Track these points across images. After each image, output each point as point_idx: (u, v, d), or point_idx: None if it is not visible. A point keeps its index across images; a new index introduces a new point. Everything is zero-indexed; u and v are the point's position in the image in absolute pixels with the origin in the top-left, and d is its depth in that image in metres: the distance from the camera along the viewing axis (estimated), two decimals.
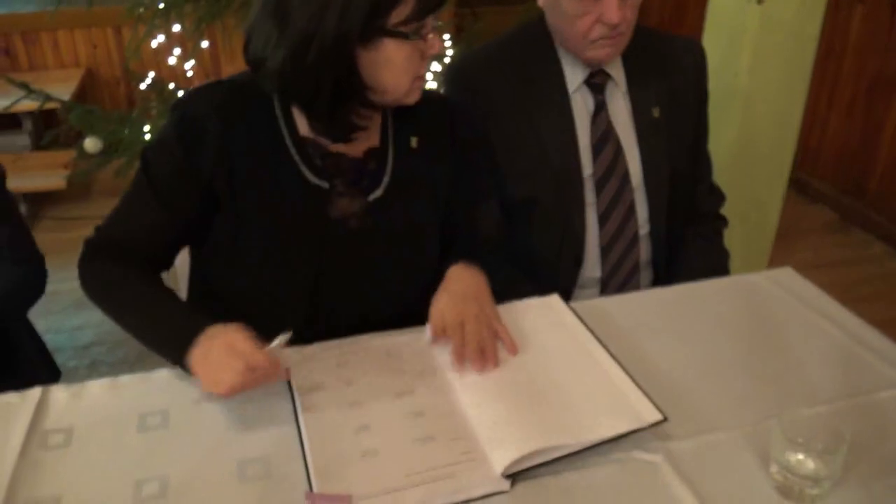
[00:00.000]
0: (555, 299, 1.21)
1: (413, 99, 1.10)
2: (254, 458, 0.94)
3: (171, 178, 1.10)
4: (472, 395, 1.01)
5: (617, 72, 1.37)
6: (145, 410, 1.02)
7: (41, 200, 3.45)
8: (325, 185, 1.13)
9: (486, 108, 1.35)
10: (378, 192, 1.17)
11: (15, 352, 1.42)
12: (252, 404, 1.03)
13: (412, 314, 1.16)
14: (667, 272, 1.48)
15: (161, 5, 2.49)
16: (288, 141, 1.11)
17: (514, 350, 1.07)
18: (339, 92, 1.03)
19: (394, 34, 1.00)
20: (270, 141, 1.11)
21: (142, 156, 1.12)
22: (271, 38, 1.01)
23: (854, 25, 3.16)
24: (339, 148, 1.13)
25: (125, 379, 1.08)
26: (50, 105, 3.10)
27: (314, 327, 1.16)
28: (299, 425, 0.98)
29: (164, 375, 1.08)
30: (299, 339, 1.15)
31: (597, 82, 1.36)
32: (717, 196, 1.57)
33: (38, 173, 3.33)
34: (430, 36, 1.05)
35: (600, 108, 1.36)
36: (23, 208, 3.34)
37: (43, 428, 1.00)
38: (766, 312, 1.24)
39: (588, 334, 1.13)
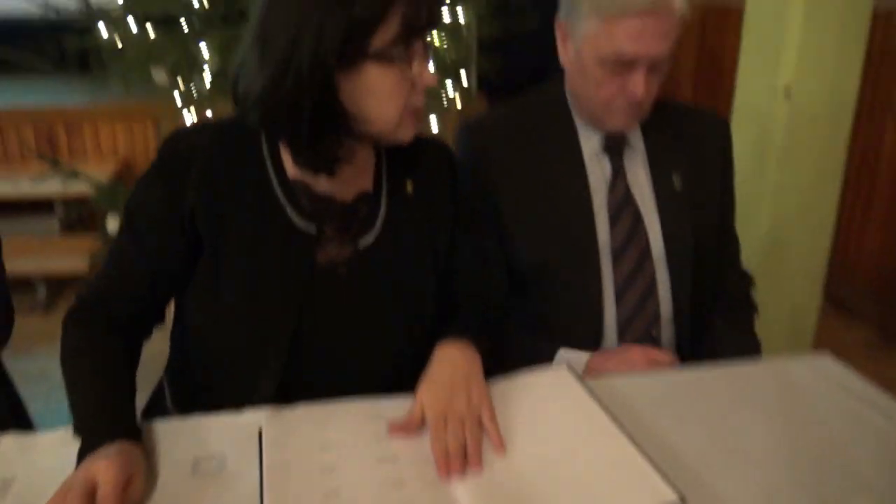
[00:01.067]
0: (564, 372, 1.10)
1: (406, 135, 1.02)
2: None
3: (152, 219, 1.04)
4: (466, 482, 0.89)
5: (635, 138, 1.31)
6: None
7: (62, 285, 3.45)
8: (313, 229, 1.06)
9: (497, 167, 1.29)
10: (369, 239, 1.09)
11: None
12: (215, 461, 0.92)
13: (403, 376, 1.06)
14: (691, 360, 1.36)
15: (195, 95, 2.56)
16: (275, 183, 1.05)
17: (500, 448, 0.93)
18: (320, 121, 0.96)
19: (377, 58, 0.93)
20: (256, 182, 1.04)
21: (125, 210, 1.06)
22: (253, 68, 0.97)
23: (888, 138, 3.11)
24: (329, 190, 1.07)
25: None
26: (78, 190, 3.17)
27: (294, 384, 1.06)
28: (262, 488, 0.86)
29: None
30: (278, 398, 1.05)
31: (614, 147, 1.30)
32: (747, 280, 1.46)
33: (61, 257, 3.34)
34: (421, 63, 0.97)
35: (617, 174, 1.30)
36: (42, 291, 3.34)
37: None
38: (802, 398, 1.10)
39: (599, 410, 1.01)
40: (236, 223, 1.03)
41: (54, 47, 4.22)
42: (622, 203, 1.29)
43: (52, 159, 2.54)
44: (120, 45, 2.51)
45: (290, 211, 1.05)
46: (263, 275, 1.04)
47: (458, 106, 2.57)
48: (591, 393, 1.04)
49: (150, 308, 1.10)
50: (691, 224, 1.32)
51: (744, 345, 1.37)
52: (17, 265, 3.25)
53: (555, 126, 1.30)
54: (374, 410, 1.01)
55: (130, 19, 2.51)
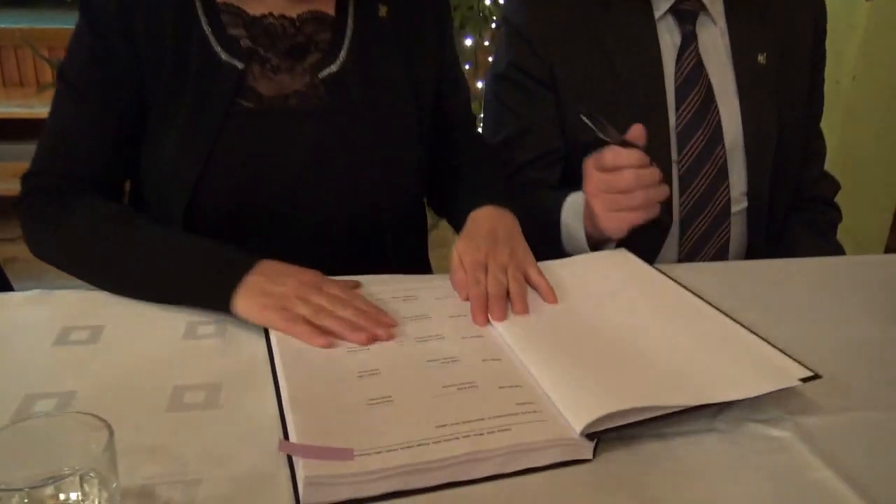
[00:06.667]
0: (623, 252, 0.94)
1: None
2: (194, 385, 0.67)
3: (92, 71, 0.89)
4: (531, 348, 0.71)
5: (717, 11, 1.12)
6: (71, 324, 0.77)
7: None
8: (240, 64, 0.90)
9: (549, 34, 1.11)
10: (332, 69, 0.93)
11: None
12: (213, 326, 0.77)
13: (384, 232, 0.96)
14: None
15: None
16: (200, 10, 0.90)
17: (552, 299, 0.81)
18: None
19: None
20: (180, 10, 0.89)
21: (58, 73, 0.92)
22: None
23: None
24: (269, 11, 0.92)
25: (62, 294, 0.83)
26: None
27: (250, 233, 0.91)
28: (273, 359, 0.71)
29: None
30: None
31: (686, 9, 1.11)
32: (832, 182, 1.28)
33: None
34: None
35: (689, 42, 1.11)
36: None
37: None
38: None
39: (683, 290, 0.84)
40: (162, 61, 0.89)
41: None
42: (692, 76, 1.11)
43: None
44: None
45: (213, 43, 0.89)
46: (179, 115, 0.88)
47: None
48: (668, 276, 0.88)
49: (112, 170, 0.94)
50: (776, 105, 1.14)
51: (824, 250, 1.19)
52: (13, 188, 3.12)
53: None
54: (401, 290, 0.83)
55: None
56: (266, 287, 0.75)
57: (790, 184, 1.19)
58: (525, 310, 0.78)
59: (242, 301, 0.75)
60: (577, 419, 0.59)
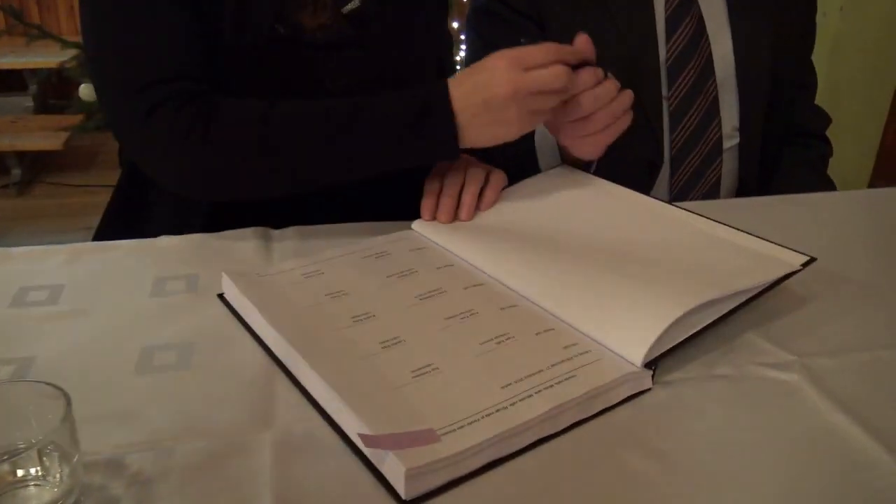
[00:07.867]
0: (568, 169, 0.92)
1: None
2: (164, 344, 0.62)
3: None
4: (541, 288, 0.67)
5: None
6: (29, 284, 0.71)
7: (38, 164, 3.21)
8: None
9: None
10: (354, 3, 0.90)
11: None
12: (183, 282, 0.72)
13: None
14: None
15: None
16: None
17: (495, 196, 0.84)
18: None
19: None
20: None
21: None
22: None
23: None
24: None
25: (18, 251, 0.78)
26: (50, 62, 2.88)
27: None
28: (245, 321, 0.66)
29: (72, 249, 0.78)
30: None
31: None
32: (822, 116, 1.24)
33: (36, 134, 3.08)
34: None
35: None
36: (17, 171, 3.11)
37: None
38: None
39: (654, 200, 0.84)
40: None
41: None
42: (682, 7, 1.05)
43: (37, 26, 2.25)
44: None
45: None
46: (217, 42, 0.83)
47: None
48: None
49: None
50: (769, 36, 1.08)
51: (816, 185, 1.16)
52: None
53: None
54: (369, 250, 0.76)
55: None
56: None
57: (782, 118, 1.15)
58: (469, 216, 0.81)
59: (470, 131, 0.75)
60: (634, 351, 0.58)
